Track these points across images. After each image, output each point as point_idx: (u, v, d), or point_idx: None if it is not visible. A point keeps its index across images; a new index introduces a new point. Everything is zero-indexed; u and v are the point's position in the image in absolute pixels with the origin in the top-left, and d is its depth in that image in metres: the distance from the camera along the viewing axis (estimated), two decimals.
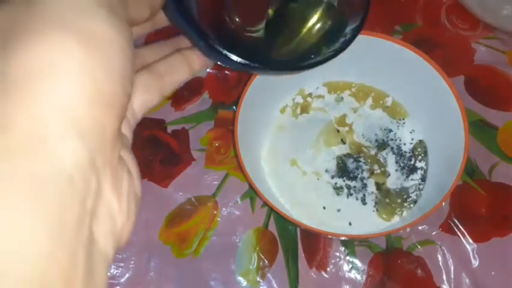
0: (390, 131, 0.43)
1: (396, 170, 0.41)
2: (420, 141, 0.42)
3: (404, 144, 0.42)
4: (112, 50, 0.15)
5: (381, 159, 0.42)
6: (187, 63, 0.23)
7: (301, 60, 0.25)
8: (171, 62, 0.23)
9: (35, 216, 0.13)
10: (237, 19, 0.25)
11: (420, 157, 0.41)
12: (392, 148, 0.42)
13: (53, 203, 0.13)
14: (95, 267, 0.15)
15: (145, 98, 0.21)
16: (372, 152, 0.42)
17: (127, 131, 0.20)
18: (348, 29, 0.25)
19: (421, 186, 0.40)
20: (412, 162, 0.41)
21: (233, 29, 0.25)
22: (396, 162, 0.41)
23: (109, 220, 0.16)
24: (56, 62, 0.14)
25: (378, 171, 0.41)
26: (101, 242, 0.15)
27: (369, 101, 0.44)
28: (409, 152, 0.42)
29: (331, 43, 0.25)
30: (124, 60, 0.16)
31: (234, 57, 0.22)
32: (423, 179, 0.40)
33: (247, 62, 0.22)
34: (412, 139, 0.42)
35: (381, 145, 0.42)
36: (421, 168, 0.41)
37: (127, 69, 0.16)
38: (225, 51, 0.22)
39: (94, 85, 0.15)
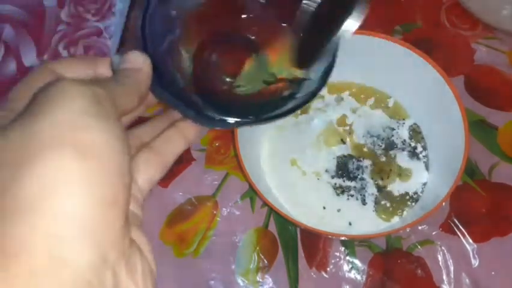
0: (393, 129, 0.43)
1: (406, 167, 0.41)
2: (414, 126, 0.42)
3: (407, 141, 0.42)
4: (106, 152, 0.16)
5: (390, 158, 0.42)
6: (182, 134, 0.25)
7: (277, 109, 0.26)
8: (167, 136, 0.24)
9: None
10: (224, 75, 0.27)
11: (417, 140, 0.42)
12: (400, 147, 0.42)
13: None
14: None
15: (149, 175, 0.23)
16: (379, 151, 0.42)
17: (136, 208, 0.21)
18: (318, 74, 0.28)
19: (425, 180, 0.40)
20: (415, 150, 0.42)
21: (220, 92, 0.27)
22: (407, 158, 0.42)
23: None
24: (57, 179, 0.15)
25: (382, 171, 0.41)
26: None
27: (370, 101, 0.44)
28: (411, 144, 0.42)
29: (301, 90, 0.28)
30: (119, 158, 0.16)
31: (229, 119, 0.24)
32: (426, 167, 0.41)
33: (239, 119, 0.24)
34: (411, 135, 0.42)
35: (389, 144, 0.42)
36: (422, 147, 0.41)
37: (124, 165, 0.17)
38: (214, 114, 0.24)
39: (96, 191, 0.15)
